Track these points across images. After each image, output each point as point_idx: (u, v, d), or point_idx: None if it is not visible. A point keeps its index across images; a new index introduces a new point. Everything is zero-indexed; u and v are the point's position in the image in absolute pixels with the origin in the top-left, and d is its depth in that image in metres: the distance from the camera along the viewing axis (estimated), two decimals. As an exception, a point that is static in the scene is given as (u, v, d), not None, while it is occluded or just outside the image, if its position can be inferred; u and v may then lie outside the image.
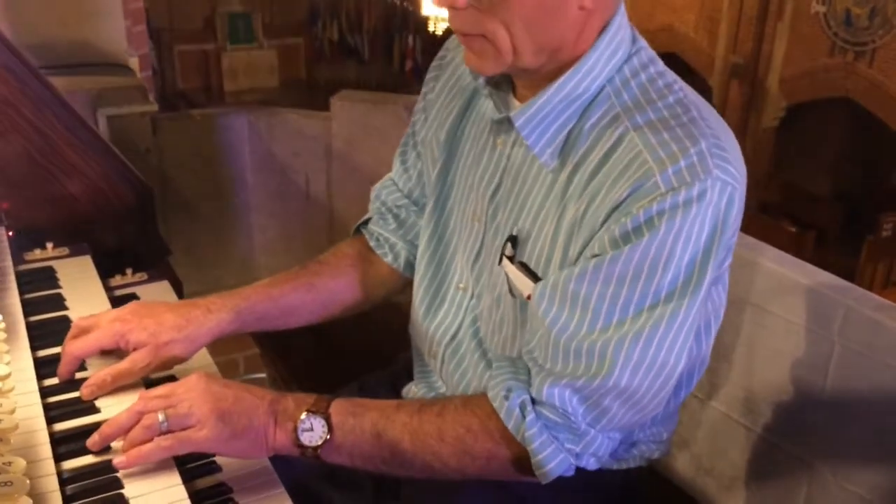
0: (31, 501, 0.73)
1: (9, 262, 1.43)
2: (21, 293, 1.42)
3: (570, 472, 1.10)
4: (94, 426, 1.12)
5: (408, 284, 1.44)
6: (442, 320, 1.33)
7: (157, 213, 2.56)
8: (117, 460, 1.00)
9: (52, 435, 1.09)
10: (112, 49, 2.56)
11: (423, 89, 1.40)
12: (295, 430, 1.08)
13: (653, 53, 1.14)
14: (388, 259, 1.43)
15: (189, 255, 2.59)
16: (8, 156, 1.80)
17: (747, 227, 1.24)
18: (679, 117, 1.05)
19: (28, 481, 0.73)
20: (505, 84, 1.21)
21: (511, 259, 1.17)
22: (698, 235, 1.01)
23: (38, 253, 1.65)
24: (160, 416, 1.03)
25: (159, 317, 1.22)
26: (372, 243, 1.44)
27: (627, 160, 1.03)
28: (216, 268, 2.49)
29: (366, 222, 1.47)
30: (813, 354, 1.46)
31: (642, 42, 1.14)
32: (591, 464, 1.11)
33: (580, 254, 1.07)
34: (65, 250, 1.68)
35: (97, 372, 1.18)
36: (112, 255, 1.86)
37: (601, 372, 1.04)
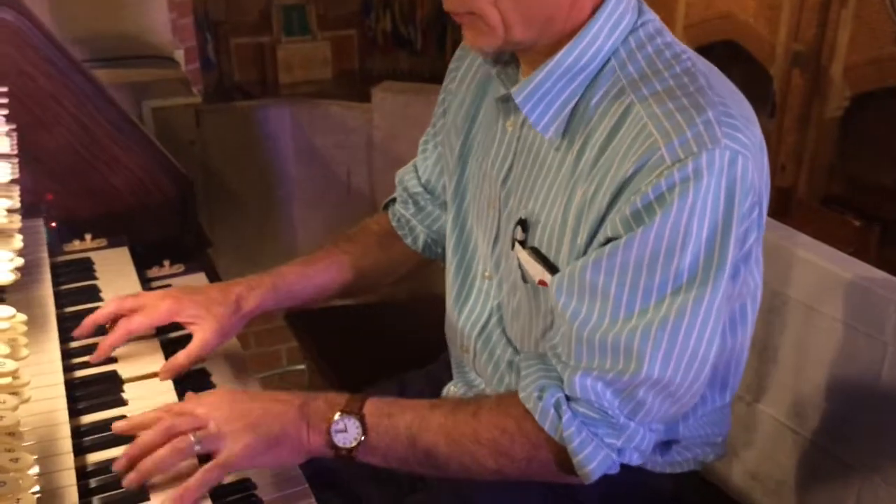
0: (33, 499, 0.72)
1: (44, 254, 1.44)
2: (56, 284, 1.44)
3: (614, 470, 1.06)
4: (120, 419, 1.12)
5: (429, 263, 1.53)
6: (470, 311, 1.31)
7: (200, 205, 2.59)
8: None
9: (77, 428, 1.10)
10: (157, 41, 2.58)
11: (445, 81, 1.40)
12: (328, 431, 1.06)
13: (661, 25, 1.10)
14: (408, 241, 1.49)
15: (232, 246, 2.60)
16: (52, 148, 1.82)
17: (810, 220, 1.18)
18: (685, 87, 1.01)
19: (22, 480, 0.72)
20: (514, 64, 1.18)
21: (522, 244, 1.14)
22: (713, 209, 0.96)
23: (76, 244, 1.67)
24: (192, 438, 1.01)
25: (206, 293, 1.30)
26: (394, 223, 1.51)
27: (633, 134, 0.99)
28: (259, 259, 2.50)
29: (393, 200, 1.53)
30: (864, 356, 1.39)
31: (650, 14, 1.10)
32: (634, 459, 1.06)
33: (591, 238, 1.03)
34: (103, 241, 1.70)
35: (171, 363, 1.23)
36: (153, 246, 1.88)
37: (630, 366, 1.00)
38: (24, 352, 0.89)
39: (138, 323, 1.25)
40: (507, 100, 1.10)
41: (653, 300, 0.99)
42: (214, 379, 1.35)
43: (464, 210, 1.33)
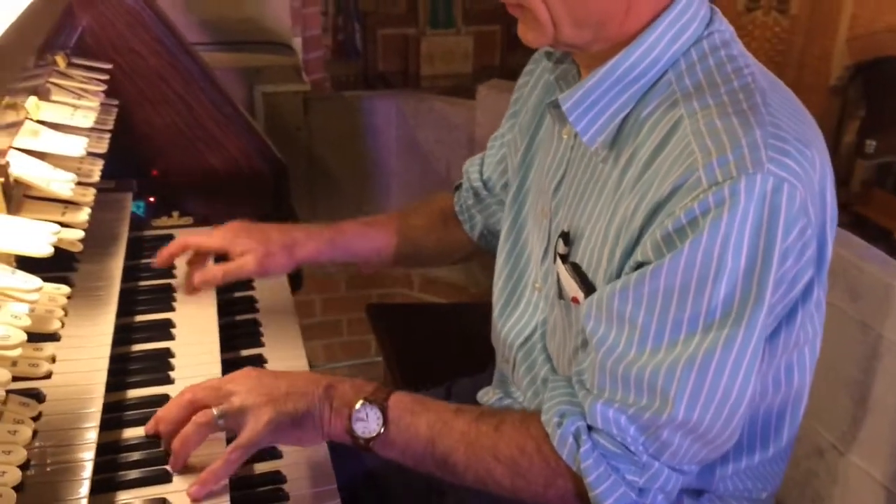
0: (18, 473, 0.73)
1: (124, 229, 1.49)
2: (133, 258, 1.48)
3: None
4: (163, 397, 1.14)
5: (483, 254, 1.54)
6: (516, 322, 1.26)
7: (302, 190, 2.64)
8: (192, 490, 0.98)
9: (119, 402, 1.13)
10: (276, 28, 2.64)
11: (519, 81, 1.36)
12: (350, 417, 1.04)
13: (729, 37, 1.01)
14: (466, 227, 1.51)
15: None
16: (157, 126, 1.89)
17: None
18: (738, 103, 0.92)
19: (12, 453, 0.73)
20: (573, 69, 1.13)
21: (564, 258, 1.08)
22: (751, 239, 0.87)
23: (164, 220, 1.73)
24: (215, 412, 1.01)
25: (266, 232, 1.37)
26: (456, 208, 1.52)
27: (677, 152, 0.92)
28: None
29: (459, 185, 1.54)
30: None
31: (722, 24, 1.02)
32: (659, 501, 0.99)
33: (624, 260, 0.97)
34: (189, 220, 1.75)
35: (208, 269, 1.32)
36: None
37: (654, 404, 0.93)
38: (55, 324, 0.91)
39: (196, 240, 1.36)
40: (557, 106, 1.04)
41: (682, 335, 0.92)
42: (269, 367, 1.36)
43: (522, 217, 1.30)
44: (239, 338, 1.45)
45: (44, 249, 0.89)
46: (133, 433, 1.08)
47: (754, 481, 1.11)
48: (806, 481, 1.56)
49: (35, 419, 0.93)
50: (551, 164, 1.18)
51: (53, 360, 1.02)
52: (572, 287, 1.07)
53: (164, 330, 1.31)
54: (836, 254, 1.37)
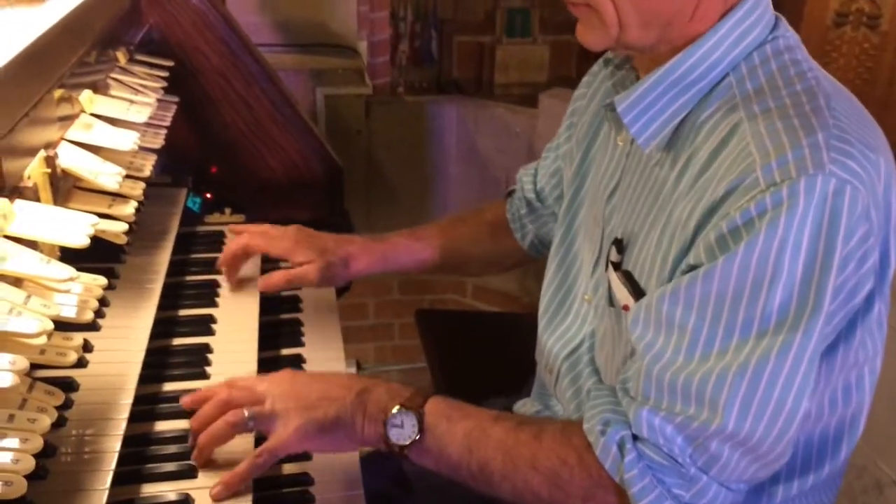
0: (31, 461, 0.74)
1: (175, 224, 1.51)
2: (182, 252, 1.50)
3: None
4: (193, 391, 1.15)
5: (534, 262, 1.54)
6: (563, 333, 1.23)
7: (360, 193, 2.65)
8: (216, 490, 0.98)
9: (154, 395, 1.14)
10: (342, 31, 2.66)
11: (576, 92, 1.34)
12: (384, 423, 1.02)
13: (794, 42, 0.97)
14: (518, 236, 1.51)
15: (386, 236, 2.63)
16: (218, 124, 1.92)
17: None
18: (801, 106, 0.88)
19: (29, 440, 0.74)
20: (632, 75, 1.10)
21: (617, 266, 1.05)
22: (810, 243, 0.83)
23: (217, 217, 1.75)
24: (246, 413, 1.01)
25: (325, 243, 1.41)
26: (508, 216, 1.52)
27: (735, 154, 0.88)
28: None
29: (512, 192, 1.53)
30: None
31: (786, 30, 0.98)
32: None
33: (676, 265, 0.93)
34: (241, 217, 1.77)
35: (269, 276, 1.37)
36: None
37: (702, 414, 0.89)
38: (88, 315, 0.92)
39: (256, 245, 1.41)
40: (614, 108, 1.01)
41: (734, 342, 0.87)
42: (307, 367, 1.36)
43: (574, 228, 1.27)
44: (281, 336, 1.45)
45: (80, 240, 0.90)
46: (165, 426, 1.09)
47: (806, 500, 1.05)
48: (862, 518, 1.48)
49: (64, 408, 0.95)
50: (606, 172, 1.15)
51: (84, 349, 1.04)
52: (624, 295, 1.03)
53: (205, 325, 1.32)
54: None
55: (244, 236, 1.43)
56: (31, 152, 0.99)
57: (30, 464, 0.73)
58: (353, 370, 2.77)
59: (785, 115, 0.88)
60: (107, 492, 0.87)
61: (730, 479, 0.92)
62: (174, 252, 1.46)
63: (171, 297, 1.37)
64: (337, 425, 1.02)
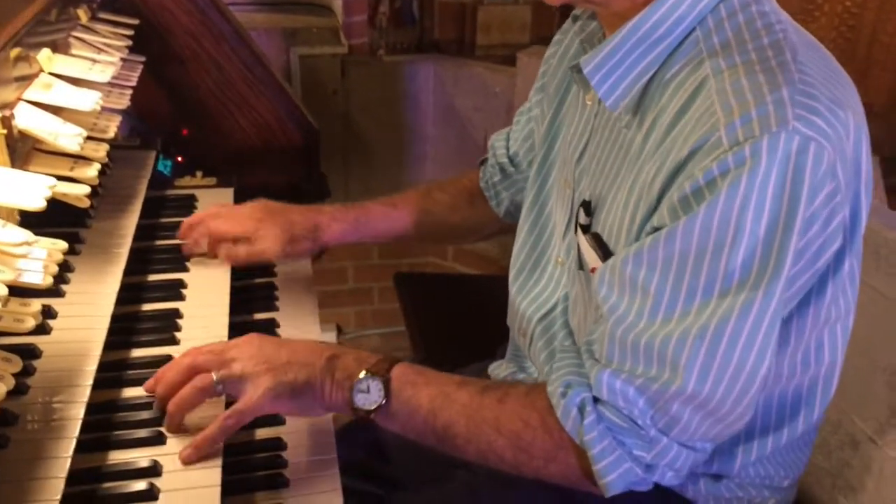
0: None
1: (142, 187, 1.47)
2: (151, 216, 1.47)
3: (644, 487, 0.95)
4: (167, 358, 1.12)
5: (509, 230, 1.47)
6: (537, 296, 1.22)
7: (337, 154, 2.61)
8: (185, 453, 0.97)
9: (122, 361, 1.12)
10: (316, -11, 2.60)
11: (547, 52, 1.31)
12: (351, 389, 1.01)
13: None
14: (493, 204, 1.49)
15: (363, 197, 2.61)
16: (187, 84, 1.88)
17: None
18: (767, 61, 0.86)
19: None
20: (600, 32, 1.08)
21: (586, 228, 1.04)
22: (773, 202, 0.82)
23: (187, 180, 1.71)
24: (215, 377, 1.00)
25: (289, 216, 1.37)
26: (482, 185, 1.50)
27: (699, 114, 0.86)
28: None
29: (486, 160, 1.51)
30: None
31: None
32: (668, 478, 0.94)
33: (642, 227, 0.92)
34: (212, 180, 1.73)
35: (233, 248, 1.34)
36: (273, 190, 1.91)
37: (663, 375, 0.88)
38: (48, 280, 0.89)
39: (219, 228, 1.36)
40: (580, 70, 0.99)
41: (695, 304, 0.87)
42: (281, 332, 1.35)
43: (546, 190, 1.26)
44: (254, 301, 1.43)
45: (37, 203, 0.87)
46: (132, 393, 1.07)
47: (776, 468, 1.06)
48: (838, 472, 1.49)
49: (25, 374, 0.93)
50: (575, 133, 1.13)
51: (48, 316, 1.02)
52: (592, 258, 1.02)
53: (174, 290, 1.29)
54: (876, 233, 1.29)
55: (204, 223, 1.38)
56: (-17, 113, 0.96)
57: (-17, 432, 0.71)
58: (332, 334, 2.77)
59: (750, 71, 0.86)
60: (69, 459, 0.85)
61: (692, 440, 0.92)
62: (143, 216, 1.43)
63: (140, 261, 1.34)
64: (306, 389, 1.02)
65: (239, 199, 1.66)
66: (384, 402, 1.01)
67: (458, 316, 1.92)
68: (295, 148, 2.01)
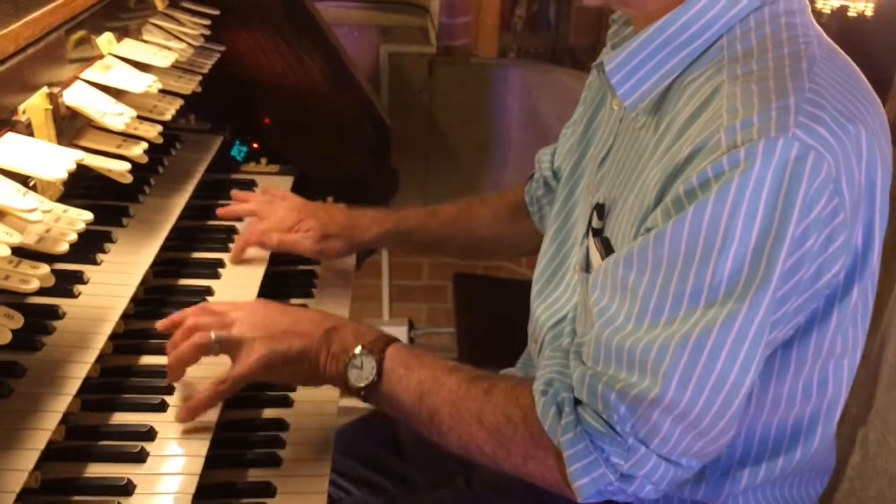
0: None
1: (200, 169, 1.55)
2: (207, 198, 1.54)
3: (622, 497, 0.92)
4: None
5: None
6: (553, 303, 1.21)
7: (419, 154, 2.64)
8: (181, 414, 1.03)
9: (143, 330, 1.18)
10: (412, -12, 2.64)
11: (595, 62, 1.27)
12: (346, 364, 1.03)
13: (796, 6, 0.91)
14: (535, 219, 1.47)
15: (443, 198, 2.63)
16: (268, 74, 1.95)
17: None
18: (781, 69, 0.83)
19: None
20: (631, 35, 1.05)
21: (597, 232, 1.02)
22: (766, 210, 0.78)
23: (252, 166, 1.79)
24: (213, 336, 1.04)
25: (331, 214, 1.43)
26: (526, 198, 1.48)
27: (708, 117, 0.84)
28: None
29: (533, 175, 1.50)
30: None
31: None
32: (647, 492, 0.91)
33: (638, 231, 0.90)
34: (275, 167, 1.80)
35: (268, 232, 1.38)
36: (341, 183, 1.96)
37: (643, 381, 0.85)
38: (63, 247, 0.96)
39: (262, 215, 1.42)
40: (604, 69, 0.97)
41: (682, 311, 0.84)
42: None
43: (574, 198, 1.24)
44: (292, 287, 1.48)
45: (58, 174, 0.94)
46: (150, 360, 1.13)
47: (772, 492, 1.01)
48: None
49: (42, 332, 1.01)
50: (601, 138, 1.12)
51: (79, 281, 1.12)
52: (598, 261, 1.01)
53: (212, 269, 1.35)
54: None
55: (252, 204, 1.46)
56: (29, 88, 1.03)
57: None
58: (404, 329, 2.80)
59: (763, 78, 0.83)
60: (60, 414, 0.90)
61: (672, 454, 0.88)
62: (200, 196, 1.51)
63: (188, 239, 1.42)
64: (300, 359, 1.04)
65: (305, 189, 1.72)
66: (375, 380, 1.02)
67: (506, 320, 1.91)
68: (366, 143, 2.05)
